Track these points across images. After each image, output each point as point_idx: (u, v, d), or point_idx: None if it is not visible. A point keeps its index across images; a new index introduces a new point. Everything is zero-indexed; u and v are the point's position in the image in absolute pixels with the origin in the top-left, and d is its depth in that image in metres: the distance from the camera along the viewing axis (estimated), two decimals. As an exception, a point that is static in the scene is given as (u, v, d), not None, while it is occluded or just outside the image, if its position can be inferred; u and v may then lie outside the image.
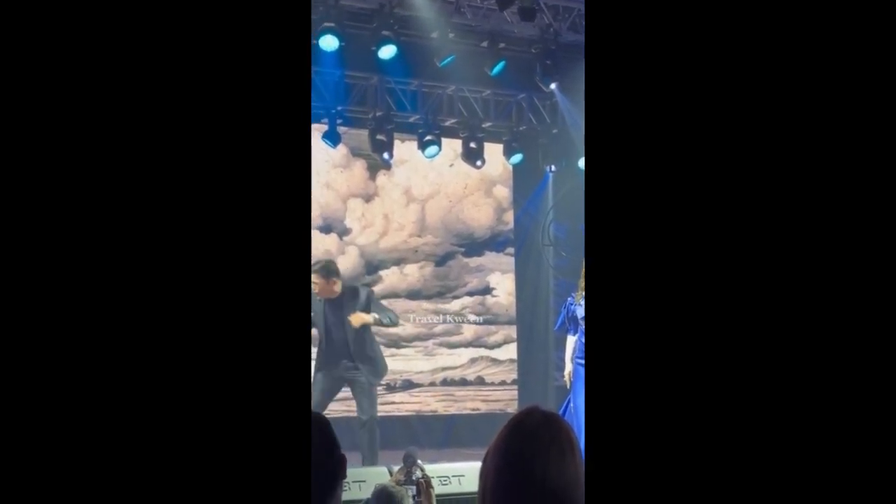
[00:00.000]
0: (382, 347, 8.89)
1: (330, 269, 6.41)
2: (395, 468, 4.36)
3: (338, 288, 6.34)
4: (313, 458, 1.81)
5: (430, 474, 4.76)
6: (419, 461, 3.85)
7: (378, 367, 6.62)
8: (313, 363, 6.24)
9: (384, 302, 8.97)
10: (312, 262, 6.17)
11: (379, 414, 8.60)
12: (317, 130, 8.32)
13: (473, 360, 9.49)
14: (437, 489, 4.88)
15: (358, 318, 6.28)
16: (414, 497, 3.78)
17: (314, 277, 6.17)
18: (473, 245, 9.56)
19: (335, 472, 1.89)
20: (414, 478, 3.71)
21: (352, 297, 6.37)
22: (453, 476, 5.20)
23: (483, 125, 8.78)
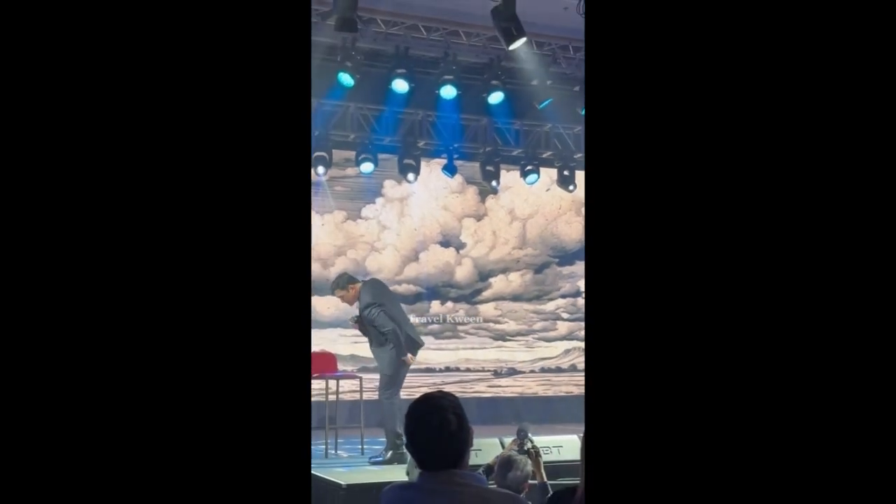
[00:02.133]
0: (490, 340, 9.05)
1: (342, 281, 5.81)
2: (506, 439, 4.16)
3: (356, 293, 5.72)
4: (448, 429, 1.85)
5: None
6: (530, 434, 3.72)
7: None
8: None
9: (492, 304, 9.13)
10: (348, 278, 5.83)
11: (487, 395, 8.78)
12: (437, 164, 8.47)
13: (567, 351, 9.43)
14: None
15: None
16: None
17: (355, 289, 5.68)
18: (566, 256, 9.51)
19: (466, 440, 1.91)
20: (525, 448, 3.61)
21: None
22: (553, 446, 4.97)
23: (575, 156, 8.70)
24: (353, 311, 5.77)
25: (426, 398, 1.98)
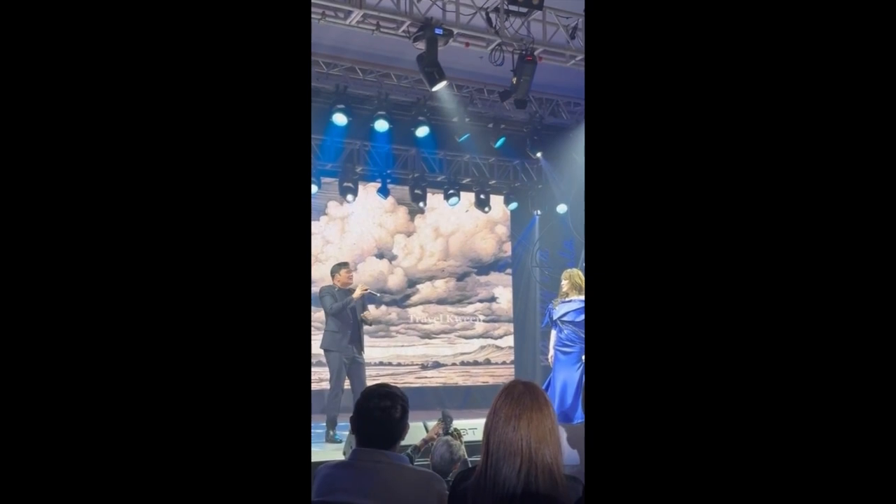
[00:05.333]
0: (418, 338, 9.03)
1: (346, 263, 5.89)
2: (430, 423, 4.12)
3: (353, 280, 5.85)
4: (392, 416, 1.89)
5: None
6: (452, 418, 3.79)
7: (364, 350, 5.86)
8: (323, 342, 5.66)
9: (420, 307, 9.12)
10: (340, 264, 5.88)
11: (416, 385, 8.66)
12: (372, 187, 8.39)
13: (483, 347, 9.46)
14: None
15: (363, 286, 5.70)
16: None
17: (345, 272, 5.69)
18: (482, 267, 9.51)
19: (402, 431, 1.95)
20: (449, 431, 3.59)
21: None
22: (469, 428, 4.84)
23: (489, 182, 8.82)
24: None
25: (384, 386, 1.99)
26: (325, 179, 7.96)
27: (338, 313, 5.62)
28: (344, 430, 5.22)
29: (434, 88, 5.87)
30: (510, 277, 9.60)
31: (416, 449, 3.54)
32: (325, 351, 5.67)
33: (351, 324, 5.67)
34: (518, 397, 1.59)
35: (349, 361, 5.64)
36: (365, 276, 8.65)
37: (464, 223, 9.37)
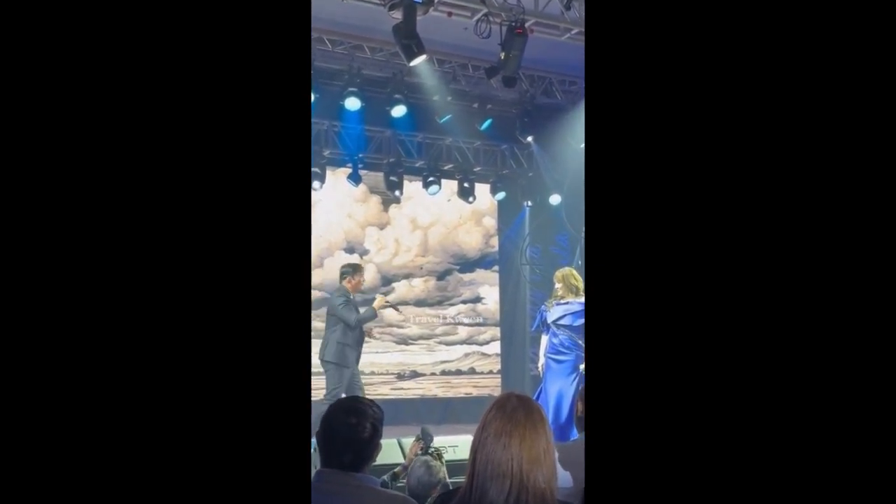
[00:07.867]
0: (393, 344, 9.07)
1: (360, 266, 6.07)
2: (405, 440, 4.22)
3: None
4: (361, 435, 1.87)
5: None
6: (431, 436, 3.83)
7: None
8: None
9: (399, 307, 9.14)
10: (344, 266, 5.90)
11: (391, 397, 8.74)
12: (342, 173, 8.30)
13: (466, 355, 9.41)
14: (437, 457, 4.87)
15: (383, 298, 5.94)
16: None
17: (358, 276, 5.74)
18: (466, 264, 9.45)
19: (373, 452, 1.93)
20: (430, 451, 3.58)
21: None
22: (449, 446, 4.84)
23: (474, 169, 8.77)
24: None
25: (353, 400, 1.97)
26: (288, 164, 7.92)
27: (358, 326, 5.59)
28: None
29: (412, 63, 5.82)
30: (497, 276, 9.54)
31: (394, 476, 3.55)
32: (333, 364, 5.60)
33: (361, 339, 5.69)
34: (511, 412, 1.56)
35: (349, 378, 5.68)
36: (333, 272, 8.48)
37: (445, 214, 9.31)
